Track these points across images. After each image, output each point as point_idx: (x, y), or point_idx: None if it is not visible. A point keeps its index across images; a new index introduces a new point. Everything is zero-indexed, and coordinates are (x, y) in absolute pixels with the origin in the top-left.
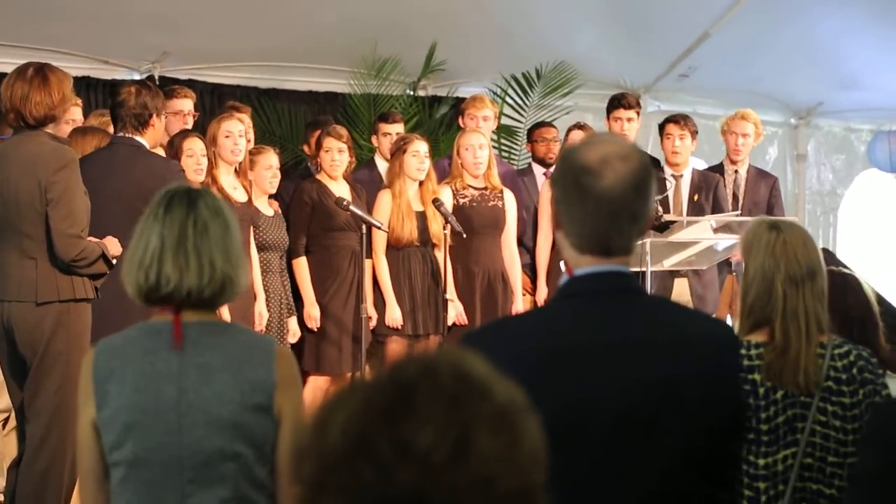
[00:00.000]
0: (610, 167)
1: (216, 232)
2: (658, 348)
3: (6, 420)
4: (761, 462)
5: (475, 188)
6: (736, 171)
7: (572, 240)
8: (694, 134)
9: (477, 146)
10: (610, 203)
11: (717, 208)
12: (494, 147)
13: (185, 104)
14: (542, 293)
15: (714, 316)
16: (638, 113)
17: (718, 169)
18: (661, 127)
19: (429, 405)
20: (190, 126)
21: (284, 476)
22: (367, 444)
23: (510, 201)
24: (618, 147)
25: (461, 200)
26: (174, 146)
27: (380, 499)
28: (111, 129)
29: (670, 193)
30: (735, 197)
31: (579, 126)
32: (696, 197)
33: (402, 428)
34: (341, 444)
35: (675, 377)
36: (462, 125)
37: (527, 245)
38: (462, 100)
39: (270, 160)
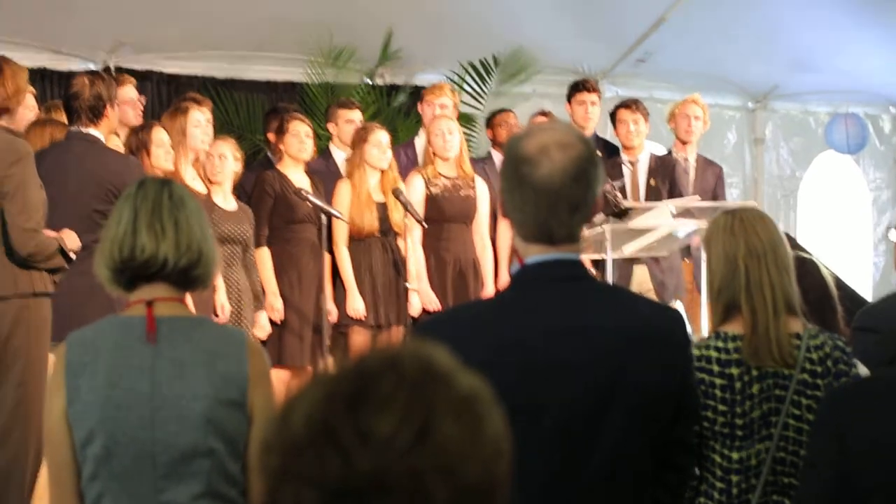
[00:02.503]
0: (547, 156)
1: (192, 205)
2: (606, 336)
3: None
4: (735, 456)
5: (447, 177)
6: (685, 159)
7: (517, 229)
8: (646, 117)
9: (446, 131)
10: (548, 193)
11: (674, 191)
12: None
13: (131, 91)
14: (504, 281)
15: (671, 303)
16: (599, 97)
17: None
18: (613, 114)
19: (391, 393)
20: (140, 112)
21: (255, 471)
22: (330, 432)
23: (482, 190)
24: (559, 135)
25: (433, 189)
26: (139, 138)
27: (343, 486)
28: (65, 120)
29: (627, 179)
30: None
31: (543, 114)
32: (652, 181)
33: (364, 415)
34: (304, 432)
35: (622, 364)
36: (420, 112)
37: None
38: (420, 88)
39: (213, 149)
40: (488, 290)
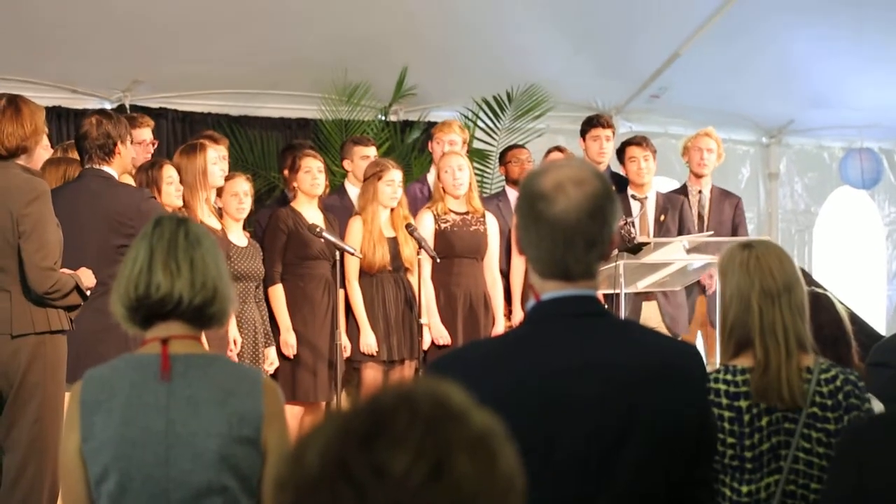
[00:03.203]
0: (563, 192)
1: (208, 244)
2: (623, 372)
3: None
4: (744, 489)
5: (457, 212)
6: (700, 192)
7: (534, 265)
8: (654, 154)
9: (456, 167)
10: (564, 229)
11: (683, 228)
12: None
13: (146, 133)
14: (518, 317)
15: (682, 338)
16: (613, 132)
17: (682, 190)
18: (621, 151)
19: (406, 429)
20: (151, 153)
21: None
22: (345, 468)
23: (492, 225)
24: (574, 172)
25: (443, 225)
26: (149, 175)
27: None
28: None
29: (636, 215)
30: (700, 217)
31: (558, 149)
32: (662, 217)
33: (379, 451)
34: (319, 469)
35: (639, 401)
36: (430, 150)
37: (501, 269)
38: (434, 124)
39: (237, 186)
40: (499, 325)
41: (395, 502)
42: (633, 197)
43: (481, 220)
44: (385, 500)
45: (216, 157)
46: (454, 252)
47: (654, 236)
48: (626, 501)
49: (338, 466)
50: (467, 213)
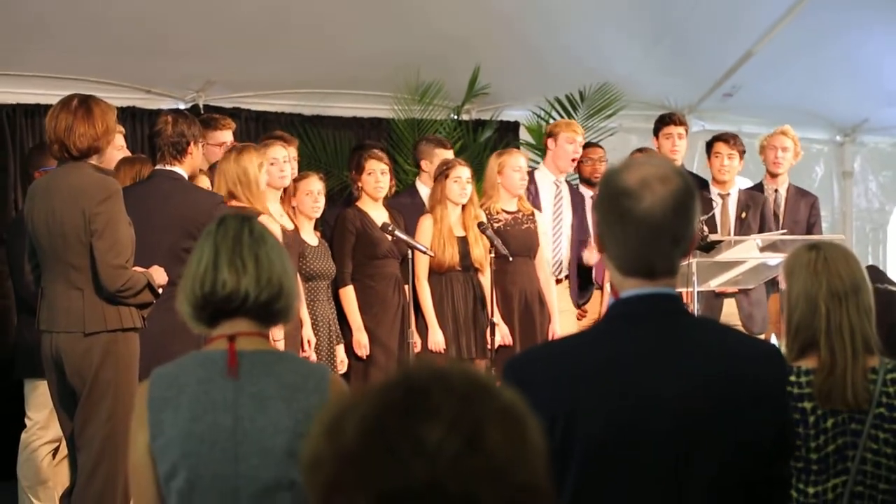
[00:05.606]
0: (649, 189)
1: (272, 241)
2: (703, 369)
3: (56, 449)
4: (811, 490)
5: (508, 212)
6: (776, 191)
7: (616, 262)
8: (741, 154)
9: (525, 167)
10: (650, 225)
11: (764, 226)
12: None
13: (227, 135)
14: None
15: (761, 336)
16: (686, 130)
17: (758, 188)
18: (710, 145)
19: (442, 402)
20: None
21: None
22: (386, 440)
23: (542, 223)
24: (657, 168)
25: (495, 224)
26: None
27: (398, 492)
28: None
29: (717, 212)
30: (776, 216)
31: (642, 151)
32: (743, 215)
33: (418, 423)
34: (358, 442)
35: (719, 398)
36: (551, 146)
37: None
38: (507, 123)
39: (311, 185)
40: (555, 323)
41: (433, 472)
42: (713, 195)
43: (531, 218)
44: (424, 470)
45: (274, 156)
46: (508, 250)
47: (735, 234)
48: (706, 498)
49: (378, 440)
50: (518, 211)
